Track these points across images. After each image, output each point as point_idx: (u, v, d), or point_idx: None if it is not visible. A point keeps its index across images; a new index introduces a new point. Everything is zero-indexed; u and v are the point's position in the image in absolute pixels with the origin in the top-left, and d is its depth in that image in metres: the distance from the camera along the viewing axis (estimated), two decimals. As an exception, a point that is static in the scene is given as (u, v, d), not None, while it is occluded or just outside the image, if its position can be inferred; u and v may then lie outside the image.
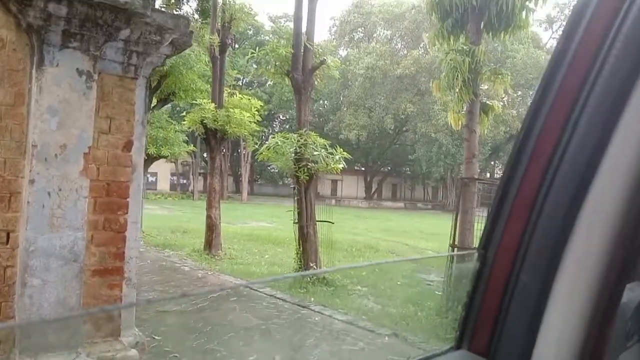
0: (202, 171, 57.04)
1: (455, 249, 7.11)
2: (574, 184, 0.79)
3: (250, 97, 14.16)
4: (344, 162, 9.62)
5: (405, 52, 43.59)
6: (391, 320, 7.39)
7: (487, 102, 7.16)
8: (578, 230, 0.78)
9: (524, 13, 7.56)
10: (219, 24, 13.47)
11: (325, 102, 51.65)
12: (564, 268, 0.79)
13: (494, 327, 0.85)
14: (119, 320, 3.66)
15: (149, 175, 47.46)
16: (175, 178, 49.93)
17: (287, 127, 59.55)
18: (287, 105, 48.19)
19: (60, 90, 3.39)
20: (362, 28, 47.86)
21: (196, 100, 13.02)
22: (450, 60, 6.95)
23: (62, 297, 3.36)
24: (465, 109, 7.22)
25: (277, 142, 9.46)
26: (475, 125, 7.00)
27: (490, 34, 8.02)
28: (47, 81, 3.36)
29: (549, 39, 45.64)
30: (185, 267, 10.87)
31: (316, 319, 7.02)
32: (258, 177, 59.74)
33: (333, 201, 50.14)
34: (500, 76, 7.40)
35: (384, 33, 47.15)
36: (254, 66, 10.64)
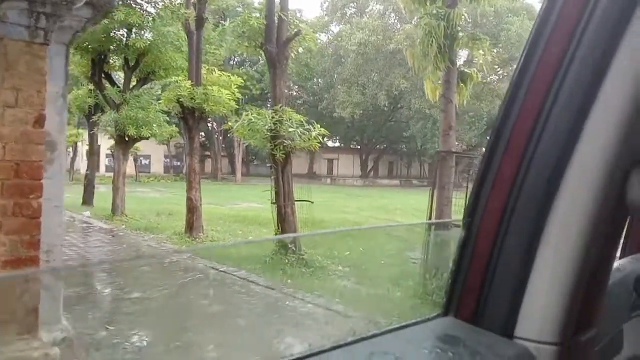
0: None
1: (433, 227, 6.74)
2: (558, 146, 0.79)
3: (230, 74, 13.65)
4: (321, 139, 9.20)
5: (399, 26, 42.73)
6: (366, 302, 7.07)
7: (465, 70, 6.71)
8: (562, 193, 0.78)
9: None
10: (195, -4, 12.90)
11: (319, 80, 50.86)
12: (548, 232, 0.80)
13: (480, 293, 0.86)
14: (37, 314, 3.30)
15: (142, 158, 47.00)
16: (168, 160, 49.42)
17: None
18: (279, 84, 47.45)
19: (-48, 58, 2.98)
20: (354, 3, 46.87)
21: (171, 78, 12.51)
22: (424, 25, 6.48)
23: (-34, 291, 2.99)
24: (442, 78, 6.77)
25: (250, 119, 9.03)
26: (452, 95, 6.56)
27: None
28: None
29: (545, 10, 44.68)
30: (163, 251, 10.53)
31: (287, 302, 6.69)
32: (254, 157, 59.21)
33: (328, 180, 49.91)
34: (478, 41, 6.92)
35: (376, 8, 46.19)
36: (228, 40, 10.12)
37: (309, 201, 9.89)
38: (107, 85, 16.27)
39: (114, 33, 15.57)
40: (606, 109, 0.76)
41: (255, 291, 7.20)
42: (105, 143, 24.45)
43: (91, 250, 10.06)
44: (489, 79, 39.60)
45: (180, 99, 12.01)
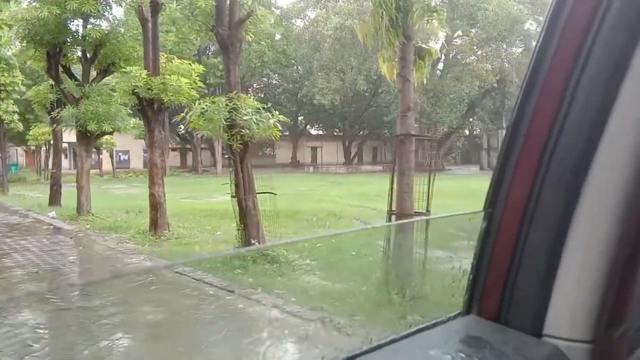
0: (178, 146, 55.83)
1: (393, 217, 6.25)
2: (583, 135, 0.75)
3: (191, 62, 12.98)
4: (280, 127, 8.65)
5: (376, 9, 42.04)
6: (328, 299, 6.57)
7: (423, 45, 6.17)
8: (590, 184, 0.75)
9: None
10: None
11: (299, 67, 50.08)
12: (576, 225, 0.76)
13: (504, 290, 0.82)
14: None
15: (120, 154, 46.10)
16: (146, 154, 48.49)
17: (261, 95, 58.20)
18: (257, 73, 46.74)
19: None
20: (330, -13, 46.08)
21: (125, 69, 11.83)
22: (376, -4, 5.92)
23: None
24: (398, 56, 6.23)
25: (203, 108, 8.44)
26: (409, 73, 6.02)
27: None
28: None
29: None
30: (119, 253, 9.94)
31: (240, 305, 6.18)
32: (236, 148, 58.42)
33: (311, 168, 49.39)
34: (435, 13, 6.34)
35: (352, -10, 45.44)
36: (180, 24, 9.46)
37: (272, 193, 9.34)
38: (68, 79, 15.51)
39: (70, 24, 14.81)
40: (635, 95, 0.72)
41: (209, 294, 6.67)
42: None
43: (42, 255, 9.44)
44: (467, 59, 39.21)
45: (136, 90, 11.35)
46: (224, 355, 4.22)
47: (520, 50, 40.99)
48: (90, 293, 5.69)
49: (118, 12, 15.54)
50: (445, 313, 0.89)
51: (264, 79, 55.16)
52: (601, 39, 0.74)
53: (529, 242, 0.79)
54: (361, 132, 54.18)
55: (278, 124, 8.56)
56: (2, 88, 21.42)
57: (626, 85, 0.71)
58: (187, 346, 4.25)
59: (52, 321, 5.57)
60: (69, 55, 15.38)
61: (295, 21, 47.84)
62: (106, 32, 14.73)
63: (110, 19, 15.34)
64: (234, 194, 8.98)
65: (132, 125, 15.27)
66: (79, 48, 15.06)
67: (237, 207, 8.98)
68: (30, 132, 29.17)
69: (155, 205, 11.97)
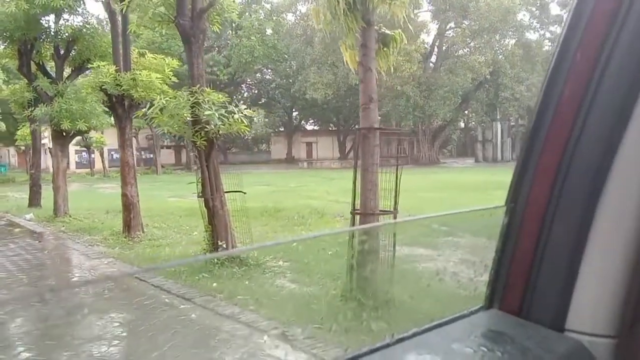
0: (172, 143, 55.32)
1: (358, 217, 5.81)
2: (606, 131, 0.74)
3: (164, 57, 12.50)
4: (246, 122, 8.18)
5: (367, 2, 41.44)
6: (291, 306, 6.15)
7: (387, 31, 5.70)
8: (613, 180, 0.74)
9: None
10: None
11: (292, 62, 49.54)
12: (599, 220, 0.75)
13: (526, 284, 0.82)
14: None
15: (113, 152, 45.59)
16: (140, 153, 48.03)
17: (255, 91, 57.58)
18: (249, 68, 46.22)
19: None
20: (322, -20, 45.42)
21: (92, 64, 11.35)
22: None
23: None
24: (359, 43, 5.75)
25: (163, 103, 7.97)
26: (371, 62, 5.54)
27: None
28: None
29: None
30: (84, 257, 9.50)
31: (192, 315, 5.74)
32: (231, 145, 57.92)
33: (305, 164, 48.90)
34: (397, -5, 5.86)
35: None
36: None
37: (241, 192, 8.88)
38: (42, 77, 15.01)
39: (41, 19, 14.31)
40: None
41: (163, 303, 6.22)
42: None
43: (1, 260, 9.00)
44: (460, 52, 38.65)
45: (104, 86, 10.88)
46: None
47: (513, 41, 40.44)
48: (26, 307, 5.25)
49: (95, 7, 15.07)
50: (444, 313, 0.86)
51: (258, 74, 54.65)
52: (624, 35, 0.73)
53: (551, 237, 0.79)
54: (356, 127, 53.72)
55: (244, 119, 8.07)
56: (-19, 88, 20.94)
57: None
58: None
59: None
60: (42, 52, 14.87)
61: (287, 15, 47.25)
62: (79, 27, 14.23)
63: (84, 14, 14.86)
64: (200, 194, 8.53)
65: (110, 123, 14.73)
66: (52, 45, 14.53)
67: (205, 208, 8.53)
68: (18, 132, 28.62)
69: (128, 206, 11.52)
